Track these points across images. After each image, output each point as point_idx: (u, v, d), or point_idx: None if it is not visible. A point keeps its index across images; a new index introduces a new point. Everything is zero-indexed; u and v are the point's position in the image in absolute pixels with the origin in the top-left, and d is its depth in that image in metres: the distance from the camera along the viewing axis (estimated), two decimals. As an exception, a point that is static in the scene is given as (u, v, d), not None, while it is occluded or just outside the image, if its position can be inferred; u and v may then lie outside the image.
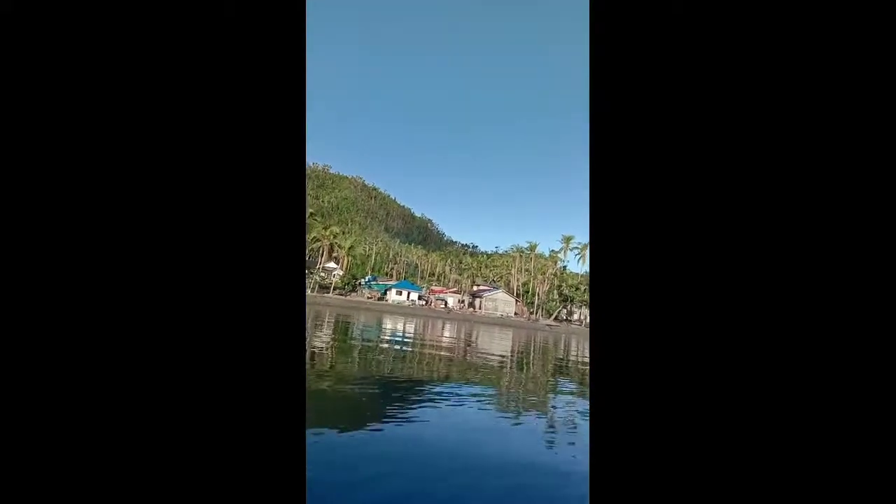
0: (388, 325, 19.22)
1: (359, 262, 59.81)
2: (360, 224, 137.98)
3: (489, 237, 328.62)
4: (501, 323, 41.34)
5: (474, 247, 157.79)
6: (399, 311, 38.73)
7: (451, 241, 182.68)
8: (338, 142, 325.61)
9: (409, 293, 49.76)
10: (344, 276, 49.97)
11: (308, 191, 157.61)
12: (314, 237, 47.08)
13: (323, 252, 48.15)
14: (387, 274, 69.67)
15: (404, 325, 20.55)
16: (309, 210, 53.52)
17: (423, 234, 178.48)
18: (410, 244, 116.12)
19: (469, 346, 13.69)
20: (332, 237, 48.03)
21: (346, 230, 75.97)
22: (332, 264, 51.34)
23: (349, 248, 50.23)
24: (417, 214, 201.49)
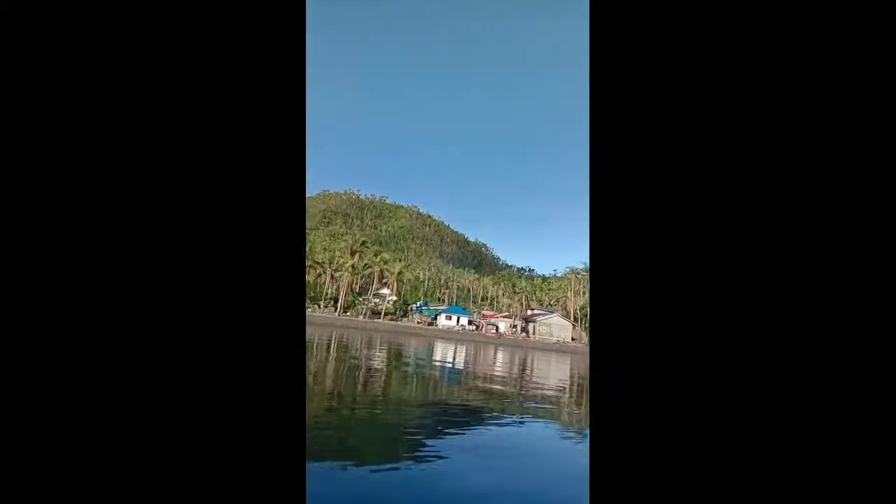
0: (429, 351, 18.53)
1: (409, 287, 60.51)
2: (415, 251, 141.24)
3: (547, 260, 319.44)
4: (557, 349, 38.91)
5: (531, 270, 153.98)
6: (448, 336, 38.07)
7: (507, 264, 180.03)
8: (392, 172, 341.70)
9: (458, 318, 48.97)
10: (396, 301, 50.65)
11: (366, 221, 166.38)
12: (365, 264, 48.56)
13: (374, 278, 49.39)
14: (439, 299, 69.61)
15: (454, 352, 19.67)
16: (362, 238, 55.59)
17: (478, 259, 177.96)
18: (465, 269, 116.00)
19: (524, 374, 12.69)
20: (382, 263, 49.24)
21: (402, 257, 77.63)
22: (385, 290, 52.44)
23: (398, 274, 51.05)
24: (471, 239, 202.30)
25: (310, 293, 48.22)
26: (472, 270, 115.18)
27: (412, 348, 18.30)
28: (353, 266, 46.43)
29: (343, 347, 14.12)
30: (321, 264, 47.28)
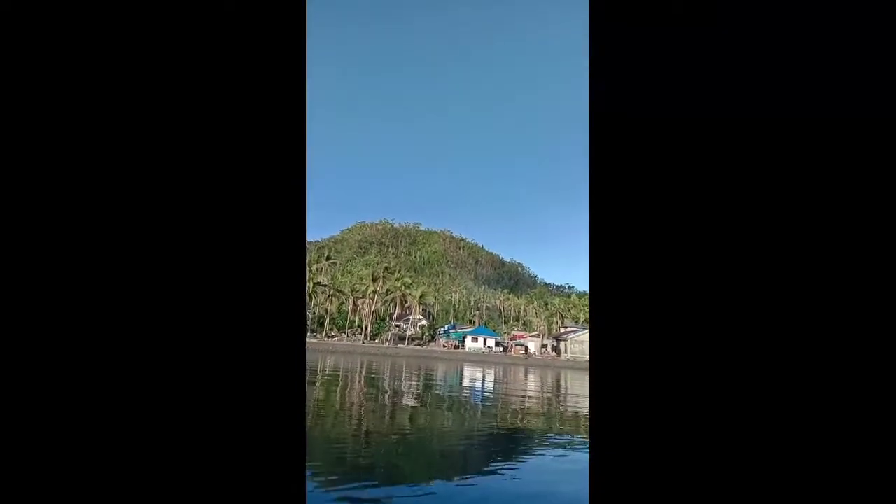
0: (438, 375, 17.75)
1: (440, 310, 59.76)
2: (449, 275, 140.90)
3: (587, 276, 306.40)
4: (587, 367, 36.35)
5: (570, 287, 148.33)
6: (472, 359, 36.88)
7: (544, 283, 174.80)
8: (425, 199, 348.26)
9: (485, 339, 47.56)
10: (425, 326, 50.13)
11: (401, 248, 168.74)
12: (388, 290, 48.77)
13: (397, 303, 49.42)
14: (470, 321, 68.24)
15: (481, 376, 18.67)
16: (384, 265, 56.20)
17: (514, 279, 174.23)
18: (500, 290, 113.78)
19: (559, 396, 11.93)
20: (404, 288, 49.25)
21: (436, 282, 77.37)
22: (413, 315, 52.17)
23: (420, 297, 50.73)
24: (506, 259, 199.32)
25: (337, 322, 48.89)
26: (507, 290, 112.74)
27: (410, 376, 17.60)
28: (374, 292, 46.74)
29: (334, 375, 13.78)
30: (342, 292, 48.04)
